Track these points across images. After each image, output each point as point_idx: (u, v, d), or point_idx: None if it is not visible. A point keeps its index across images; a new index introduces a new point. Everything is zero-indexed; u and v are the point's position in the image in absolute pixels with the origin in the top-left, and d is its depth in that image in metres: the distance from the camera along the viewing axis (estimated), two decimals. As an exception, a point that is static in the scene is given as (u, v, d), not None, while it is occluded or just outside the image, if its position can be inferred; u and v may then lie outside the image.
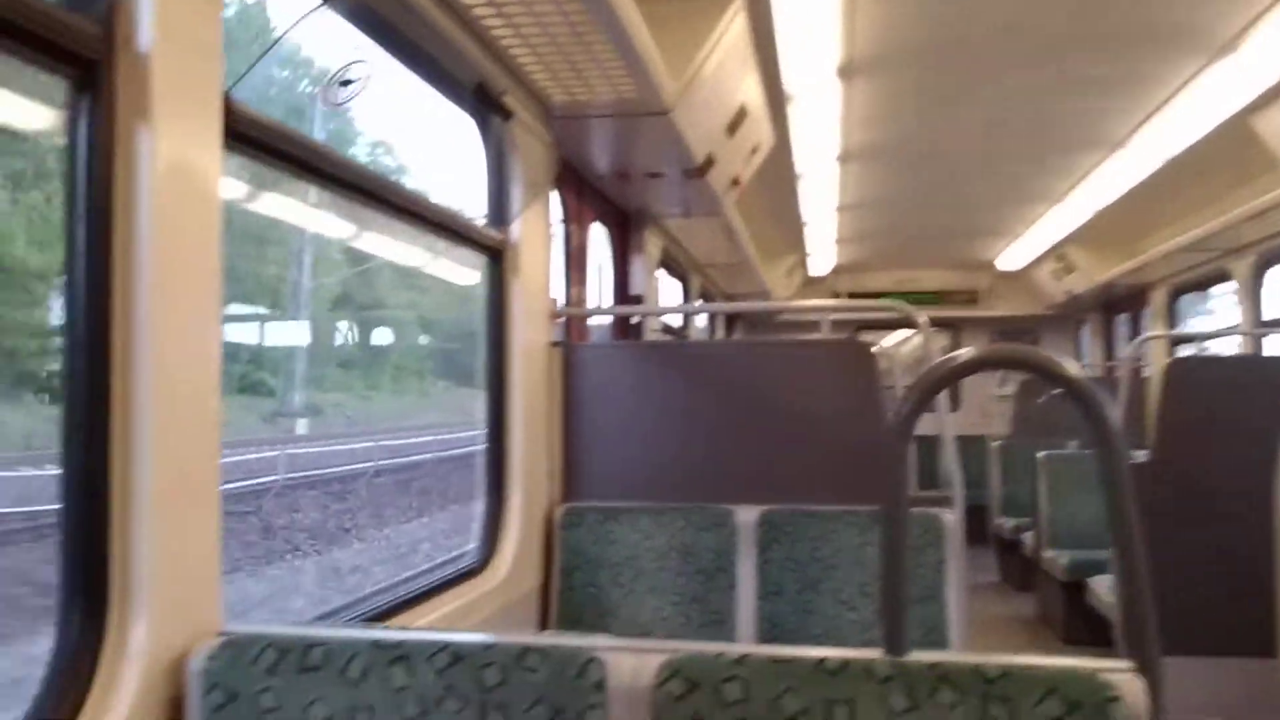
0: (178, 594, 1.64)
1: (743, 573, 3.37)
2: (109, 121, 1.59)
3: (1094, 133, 5.40)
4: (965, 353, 1.47)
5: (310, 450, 17.82)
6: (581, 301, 4.47)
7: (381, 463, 17.37)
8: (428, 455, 19.04)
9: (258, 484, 14.46)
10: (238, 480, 13.84)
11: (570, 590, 3.48)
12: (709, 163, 4.12)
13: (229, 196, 1.83)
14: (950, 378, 1.49)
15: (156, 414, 1.60)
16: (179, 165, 1.67)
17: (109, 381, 1.59)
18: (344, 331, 27.68)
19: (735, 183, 4.70)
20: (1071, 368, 1.45)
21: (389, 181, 2.55)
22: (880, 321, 9.60)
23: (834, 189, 6.48)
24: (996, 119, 5.27)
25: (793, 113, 4.80)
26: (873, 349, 3.87)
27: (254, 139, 1.94)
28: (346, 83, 2.22)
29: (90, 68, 1.57)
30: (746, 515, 3.39)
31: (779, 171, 5.59)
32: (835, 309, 4.37)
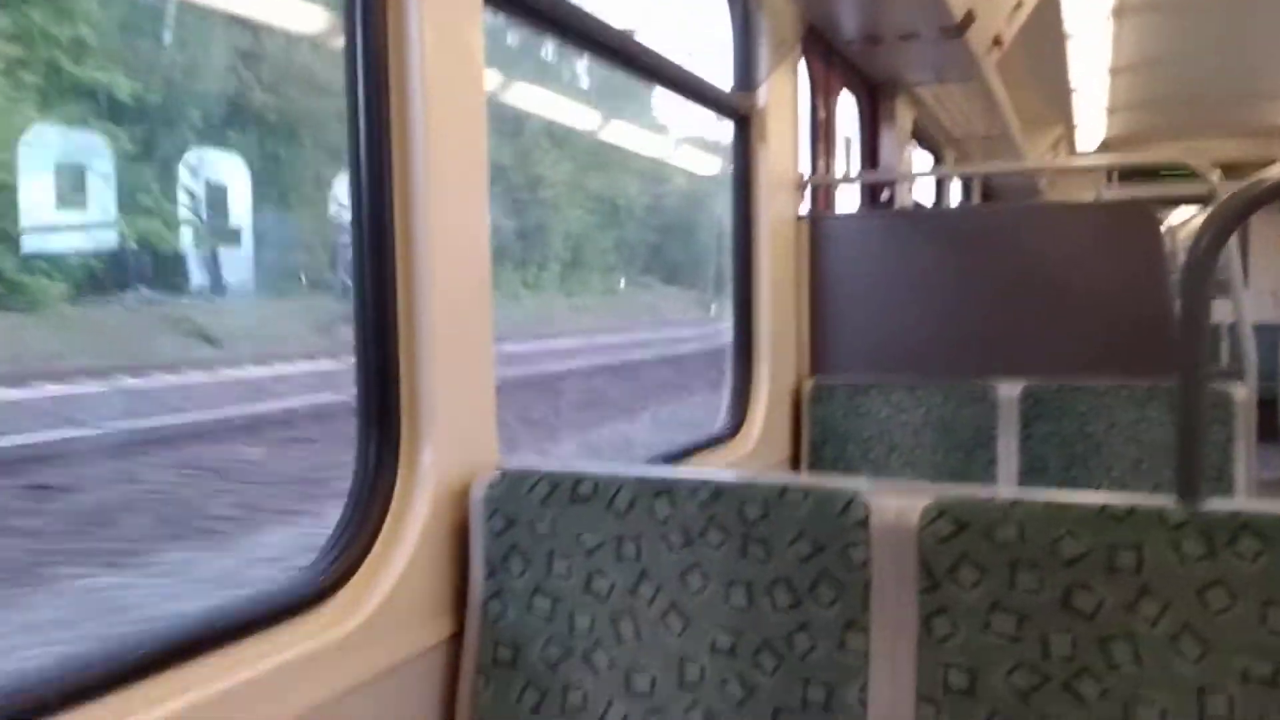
0: (459, 431, 1.76)
1: (1004, 450, 3.24)
2: None
3: None
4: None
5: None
6: (829, 174, 4.35)
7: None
8: (563, 367, 13.30)
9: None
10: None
11: (819, 464, 3.47)
12: (968, 19, 3.84)
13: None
14: (1263, 199, 1.33)
15: (434, 268, 1.70)
16: (445, 23, 1.72)
17: (391, 235, 1.69)
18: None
19: (996, 43, 4.38)
20: None
21: (639, 44, 2.54)
22: (1159, 198, 8.76)
23: (1107, 48, 5.92)
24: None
25: (1063, -40, 4.40)
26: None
27: None
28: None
29: None
30: (1008, 390, 3.24)
31: (1045, 30, 5.16)
32: (1112, 166, 3.92)
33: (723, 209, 3.32)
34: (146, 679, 1.27)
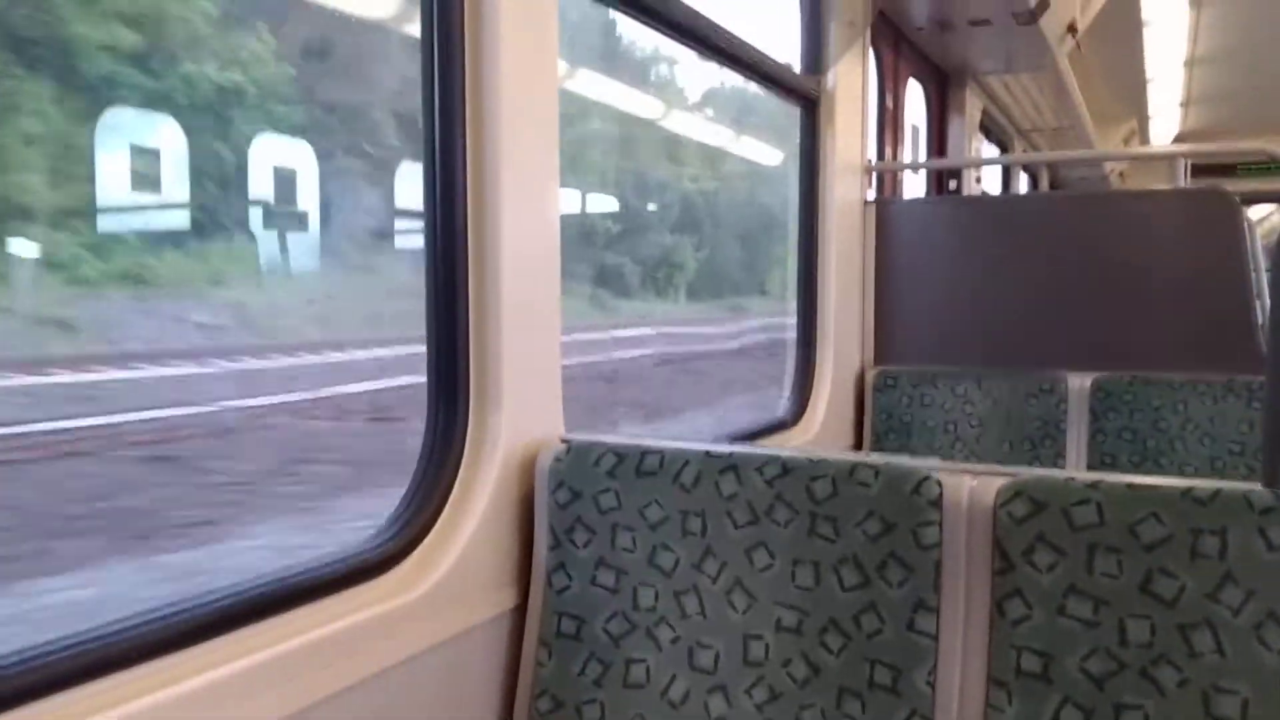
0: (526, 402, 1.76)
1: (1073, 443, 3.17)
2: None
3: None
4: None
5: None
6: (895, 161, 4.30)
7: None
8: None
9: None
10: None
11: (883, 453, 3.43)
12: (1043, 5, 3.76)
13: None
14: None
15: (504, 243, 1.70)
16: (521, 3, 1.71)
17: (465, 209, 1.69)
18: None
19: (1070, 30, 4.28)
20: None
21: (710, 22, 2.52)
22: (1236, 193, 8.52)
23: (1183, 38, 5.76)
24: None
25: (1142, -55, 4.28)
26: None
27: None
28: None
29: None
30: (1078, 382, 3.17)
31: (1121, 17, 5.03)
32: (1189, 155, 3.77)
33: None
34: (218, 636, 1.29)
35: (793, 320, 3.32)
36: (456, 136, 1.68)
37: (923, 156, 4.94)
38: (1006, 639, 1.41)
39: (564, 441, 1.74)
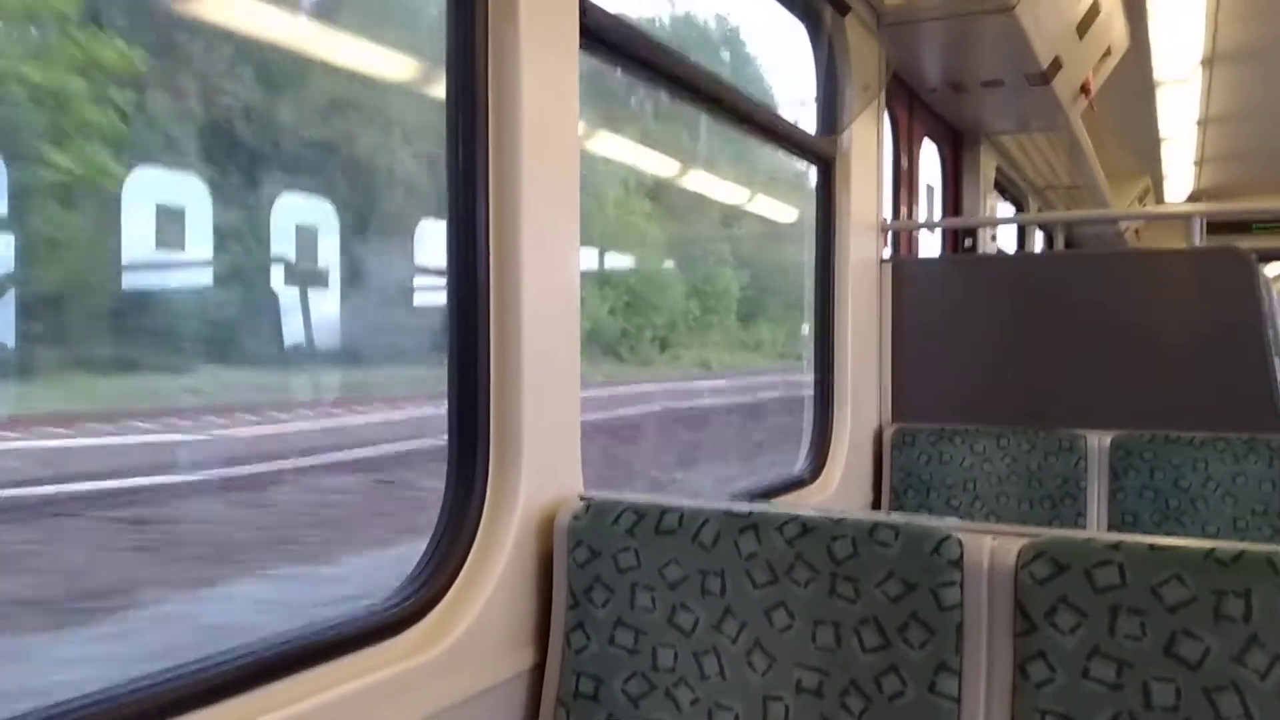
0: (545, 462, 1.77)
1: (1093, 502, 3.15)
2: (484, 21, 1.70)
3: None
4: None
5: None
6: (911, 220, 4.33)
7: None
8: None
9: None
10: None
11: (901, 511, 3.41)
12: (1055, 67, 3.81)
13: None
14: None
15: (525, 304, 1.72)
16: (543, 65, 1.76)
17: (486, 271, 1.72)
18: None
19: (1083, 91, 4.33)
20: None
21: (729, 87, 2.57)
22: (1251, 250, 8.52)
23: (1196, 98, 5.81)
24: None
25: (1153, 9, 4.33)
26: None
27: (605, 39, 2.01)
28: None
29: None
30: (1097, 440, 3.16)
31: (1133, 79, 5.08)
32: (1205, 214, 3.78)
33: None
34: (231, 698, 1.29)
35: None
36: (479, 196, 1.71)
37: (938, 215, 4.97)
38: (1030, 702, 1.39)
39: (583, 499, 1.75)
